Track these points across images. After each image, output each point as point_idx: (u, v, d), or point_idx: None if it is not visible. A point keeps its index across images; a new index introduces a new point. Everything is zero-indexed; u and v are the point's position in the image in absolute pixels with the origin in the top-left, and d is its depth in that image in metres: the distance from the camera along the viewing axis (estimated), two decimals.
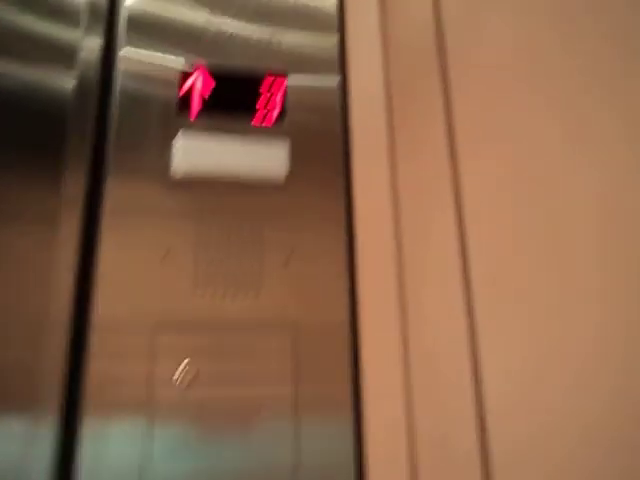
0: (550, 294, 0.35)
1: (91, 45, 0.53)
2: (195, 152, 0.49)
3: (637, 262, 0.29)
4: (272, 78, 0.54)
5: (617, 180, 0.31)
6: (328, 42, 0.57)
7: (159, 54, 0.53)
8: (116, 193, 0.48)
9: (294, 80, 0.55)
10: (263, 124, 0.52)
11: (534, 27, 0.39)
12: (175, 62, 0.53)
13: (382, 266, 0.50)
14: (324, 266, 0.50)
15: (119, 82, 0.51)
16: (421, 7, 0.53)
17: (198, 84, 0.52)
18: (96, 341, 0.44)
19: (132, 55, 0.52)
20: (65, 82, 0.51)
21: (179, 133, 0.50)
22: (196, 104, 0.51)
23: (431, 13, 0.51)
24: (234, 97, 0.52)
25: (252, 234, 0.49)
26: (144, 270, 0.46)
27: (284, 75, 0.54)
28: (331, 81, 0.56)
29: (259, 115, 0.52)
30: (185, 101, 0.51)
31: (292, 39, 0.56)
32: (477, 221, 0.44)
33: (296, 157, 0.52)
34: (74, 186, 0.48)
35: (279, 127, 0.53)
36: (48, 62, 0.51)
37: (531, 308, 0.36)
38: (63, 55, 0.52)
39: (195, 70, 0.52)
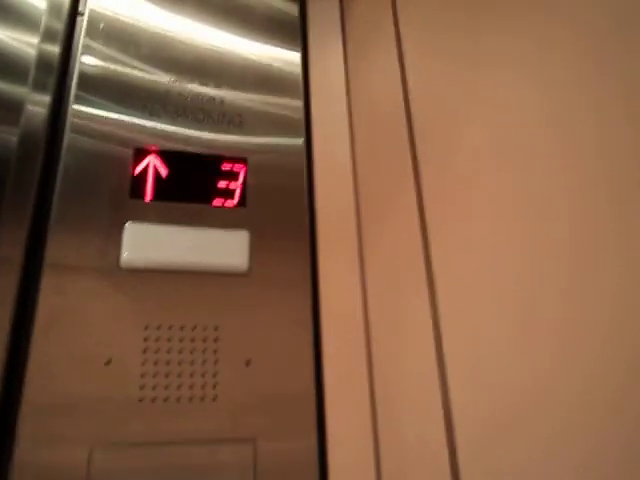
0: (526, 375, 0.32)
1: (39, 102, 0.48)
2: (147, 240, 0.44)
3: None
4: (234, 159, 0.50)
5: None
6: (293, 117, 0.55)
7: (113, 116, 0.48)
8: (53, 282, 0.42)
9: (257, 158, 0.51)
10: (224, 206, 0.48)
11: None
12: (130, 132, 0.48)
13: (352, 366, 0.45)
14: (289, 368, 0.45)
15: (66, 144, 0.46)
16: (387, 79, 0.51)
17: (153, 163, 0.47)
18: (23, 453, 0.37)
19: (83, 116, 0.48)
20: (8, 139, 0.46)
21: (128, 223, 0.45)
22: (150, 185, 0.46)
23: (398, 86, 0.49)
24: (192, 177, 0.48)
25: (208, 331, 0.44)
26: (84, 375, 0.40)
27: (245, 157, 0.50)
28: (296, 158, 0.53)
29: (219, 197, 0.48)
30: (138, 180, 0.47)
31: (255, 112, 0.53)
32: (451, 303, 0.40)
33: (258, 245, 0.48)
34: (9, 249, 0.42)
35: (240, 210, 0.49)
36: None
37: (510, 393, 0.33)
38: (7, 111, 0.47)
39: (150, 148, 0.48)
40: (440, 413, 0.38)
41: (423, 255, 0.41)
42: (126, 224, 0.45)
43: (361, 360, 0.46)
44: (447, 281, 0.39)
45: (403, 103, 0.46)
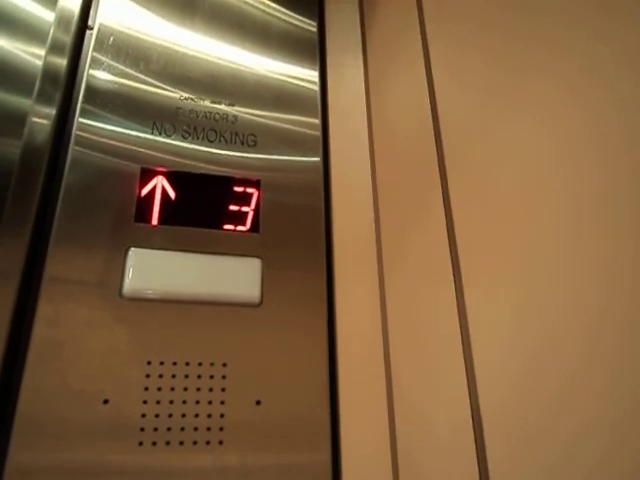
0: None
1: (44, 114, 0.45)
2: (152, 268, 0.41)
3: None
4: (246, 181, 0.47)
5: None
6: (310, 135, 0.52)
7: (120, 131, 0.46)
8: (49, 310, 0.39)
9: (271, 179, 0.48)
10: (235, 231, 0.45)
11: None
12: (138, 149, 0.46)
13: (371, 408, 0.42)
14: (303, 409, 0.41)
15: (70, 158, 0.44)
16: (413, 96, 0.49)
17: (161, 184, 0.44)
18: None
19: (89, 129, 0.45)
20: (10, 151, 0.43)
21: (132, 248, 0.42)
22: (157, 207, 0.43)
23: (426, 104, 0.46)
24: (202, 200, 0.45)
25: (216, 368, 0.41)
26: (79, 415, 0.37)
27: (258, 180, 0.48)
28: (313, 177, 0.50)
29: (231, 221, 0.45)
30: (145, 203, 0.44)
31: (270, 131, 0.50)
32: (482, 329, 0.37)
33: (271, 274, 0.45)
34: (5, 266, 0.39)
35: (253, 236, 0.46)
36: None
37: (546, 439, 0.29)
38: (10, 123, 0.44)
39: (159, 169, 0.45)
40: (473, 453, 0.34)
41: (453, 282, 0.38)
42: (130, 250, 0.42)
43: (381, 401, 0.42)
44: (479, 305, 0.35)
45: (432, 121, 0.43)
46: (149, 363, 0.39)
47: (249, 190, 0.46)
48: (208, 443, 0.39)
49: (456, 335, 0.37)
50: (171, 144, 0.47)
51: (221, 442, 0.39)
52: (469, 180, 0.39)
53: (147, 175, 0.45)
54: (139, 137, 0.46)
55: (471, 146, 0.39)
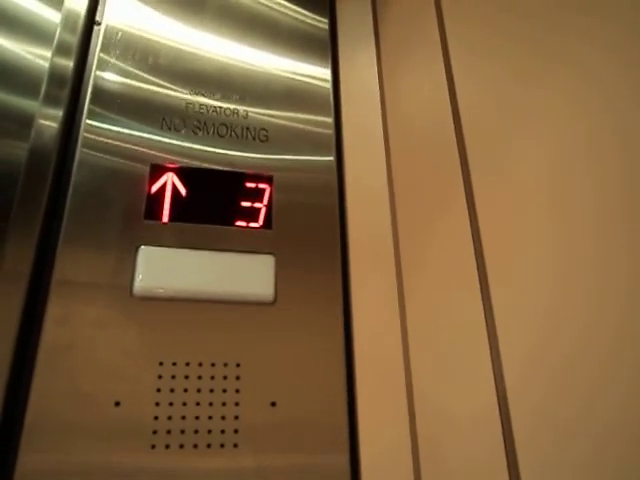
0: None
1: (51, 116, 0.45)
2: (163, 266, 0.40)
3: None
4: (258, 176, 0.46)
5: None
6: (323, 133, 0.51)
7: (128, 132, 0.45)
8: (59, 310, 0.38)
9: (283, 177, 0.47)
10: (248, 227, 0.44)
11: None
12: (146, 148, 0.45)
13: (390, 406, 0.40)
14: (319, 410, 0.40)
15: (78, 160, 0.43)
16: (432, 93, 0.48)
17: (172, 181, 0.44)
18: None
19: (96, 131, 0.44)
20: (17, 153, 0.42)
21: (142, 246, 0.41)
22: (168, 204, 0.43)
23: (446, 100, 0.45)
24: (213, 196, 0.44)
25: (229, 368, 0.39)
26: (90, 417, 0.36)
27: (270, 175, 0.47)
28: (326, 176, 0.49)
29: (243, 217, 0.44)
30: (155, 200, 0.43)
31: (281, 128, 0.50)
32: (510, 331, 0.36)
33: (285, 271, 0.43)
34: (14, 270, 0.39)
35: (266, 233, 0.45)
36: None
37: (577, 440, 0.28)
38: (17, 125, 0.44)
39: (169, 165, 0.44)
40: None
41: (478, 281, 0.36)
42: (140, 247, 0.41)
43: (401, 401, 0.41)
44: (506, 306, 0.34)
45: (451, 115, 0.42)
46: (161, 364, 0.38)
47: (261, 186, 0.45)
48: (222, 446, 0.37)
49: (482, 334, 0.36)
50: (181, 139, 0.46)
51: (236, 445, 0.38)
52: (493, 175, 0.38)
53: (157, 172, 0.44)
54: (148, 135, 0.45)
55: (495, 139, 0.38)
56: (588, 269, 0.28)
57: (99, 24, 0.50)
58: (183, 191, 0.44)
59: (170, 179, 0.44)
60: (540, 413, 0.30)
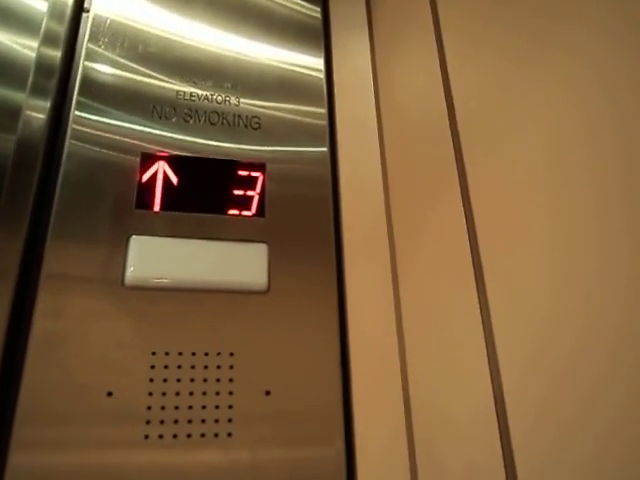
0: None
1: (38, 107, 0.44)
2: (154, 255, 0.40)
3: None
4: (251, 164, 0.46)
5: None
6: (316, 124, 0.50)
7: (118, 123, 0.44)
8: (50, 301, 0.37)
9: (276, 167, 0.47)
10: (240, 215, 0.44)
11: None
12: (137, 138, 0.44)
13: (385, 394, 0.40)
14: (314, 399, 0.40)
15: (66, 152, 0.42)
16: (425, 82, 0.47)
17: (163, 169, 0.43)
18: None
19: (85, 123, 0.44)
20: (4, 145, 0.42)
21: (133, 236, 0.40)
22: (159, 193, 0.42)
23: (440, 89, 0.45)
24: (205, 185, 0.44)
25: (223, 358, 0.39)
26: (83, 408, 0.35)
27: (263, 163, 0.46)
28: (320, 167, 0.48)
29: (235, 206, 0.44)
30: (146, 189, 0.42)
31: (274, 117, 0.49)
32: (507, 318, 0.36)
33: (278, 260, 0.43)
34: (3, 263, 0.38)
35: (258, 221, 0.44)
36: None
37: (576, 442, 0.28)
38: (4, 117, 0.43)
39: (160, 153, 0.44)
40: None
41: (473, 274, 0.36)
42: (131, 237, 0.40)
43: (396, 392, 0.41)
44: (502, 299, 0.34)
45: (445, 104, 0.42)
46: (154, 354, 0.38)
47: (254, 174, 0.45)
48: (217, 436, 0.37)
49: (477, 327, 0.36)
50: (172, 128, 0.45)
51: (230, 434, 0.37)
52: (488, 165, 0.37)
53: (148, 160, 0.43)
54: (138, 124, 0.45)
55: (489, 128, 0.38)
56: (588, 261, 0.28)
57: (87, 11, 0.49)
58: (174, 180, 0.43)
59: (161, 167, 0.43)
60: (538, 414, 0.30)
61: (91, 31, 0.48)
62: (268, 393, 0.39)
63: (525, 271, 0.33)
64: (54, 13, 0.48)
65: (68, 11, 0.48)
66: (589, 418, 0.27)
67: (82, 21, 0.49)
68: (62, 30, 0.49)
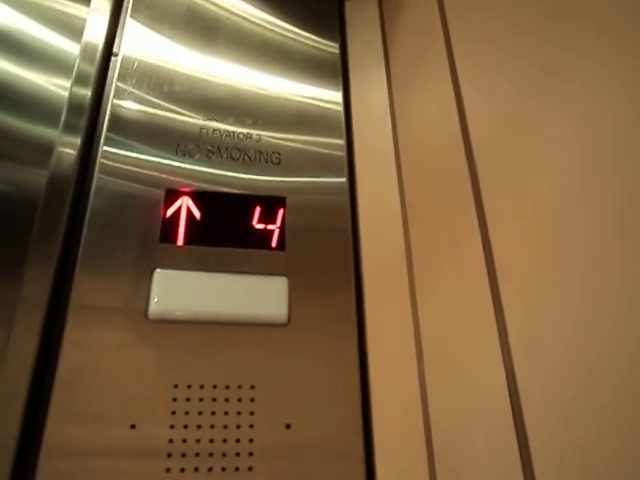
0: None
1: (69, 144, 0.46)
2: (177, 289, 0.41)
3: None
4: (271, 199, 0.47)
5: None
6: (335, 155, 0.51)
7: (144, 157, 0.46)
8: (76, 334, 0.38)
9: (296, 199, 0.48)
10: (261, 249, 0.44)
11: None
12: (161, 172, 0.46)
13: (406, 430, 0.40)
14: (335, 432, 0.40)
15: (95, 186, 0.44)
16: (441, 114, 0.48)
17: (186, 205, 0.44)
18: None
19: (113, 157, 0.46)
20: (37, 180, 0.44)
21: (157, 269, 0.41)
22: (183, 228, 0.43)
23: (456, 121, 0.45)
24: (227, 219, 0.45)
25: (244, 391, 0.39)
26: (107, 440, 0.36)
27: (283, 197, 0.47)
28: (339, 198, 0.49)
29: (256, 240, 0.44)
30: (170, 224, 0.43)
31: (294, 150, 0.50)
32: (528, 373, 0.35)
33: (298, 292, 0.44)
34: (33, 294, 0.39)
35: (279, 255, 0.45)
36: (20, 160, 0.44)
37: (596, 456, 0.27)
38: (38, 153, 0.45)
39: (183, 189, 0.45)
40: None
41: (492, 306, 0.36)
42: (155, 270, 0.41)
43: (417, 424, 0.41)
44: (522, 331, 0.34)
45: (461, 135, 0.43)
46: (176, 386, 0.38)
47: (274, 208, 0.46)
48: (237, 469, 0.37)
49: (497, 360, 0.35)
50: (195, 163, 0.47)
51: (250, 468, 0.37)
52: (505, 193, 0.38)
53: (172, 196, 0.45)
54: (163, 160, 0.46)
55: (504, 155, 0.38)
56: (614, 298, 0.28)
57: (116, 55, 0.51)
58: (197, 214, 0.44)
59: (185, 203, 0.44)
60: (558, 434, 0.29)
61: (119, 72, 0.50)
62: (289, 426, 0.39)
63: (545, 305, 0.33)
64: (86, 55, 0.51)
65: (98, 54, 0.51)
66: (609, 435, 0.26)
67: (111, 63, 0.52)
68: (93, 70, 0.51)
